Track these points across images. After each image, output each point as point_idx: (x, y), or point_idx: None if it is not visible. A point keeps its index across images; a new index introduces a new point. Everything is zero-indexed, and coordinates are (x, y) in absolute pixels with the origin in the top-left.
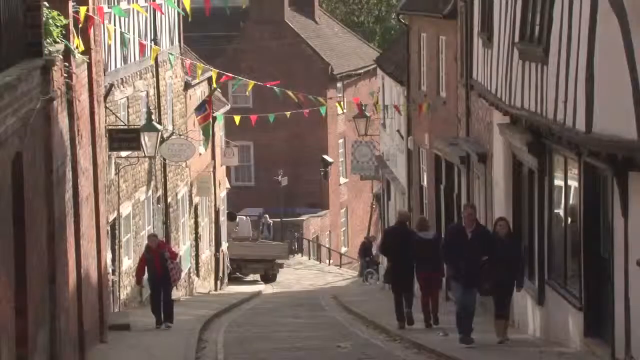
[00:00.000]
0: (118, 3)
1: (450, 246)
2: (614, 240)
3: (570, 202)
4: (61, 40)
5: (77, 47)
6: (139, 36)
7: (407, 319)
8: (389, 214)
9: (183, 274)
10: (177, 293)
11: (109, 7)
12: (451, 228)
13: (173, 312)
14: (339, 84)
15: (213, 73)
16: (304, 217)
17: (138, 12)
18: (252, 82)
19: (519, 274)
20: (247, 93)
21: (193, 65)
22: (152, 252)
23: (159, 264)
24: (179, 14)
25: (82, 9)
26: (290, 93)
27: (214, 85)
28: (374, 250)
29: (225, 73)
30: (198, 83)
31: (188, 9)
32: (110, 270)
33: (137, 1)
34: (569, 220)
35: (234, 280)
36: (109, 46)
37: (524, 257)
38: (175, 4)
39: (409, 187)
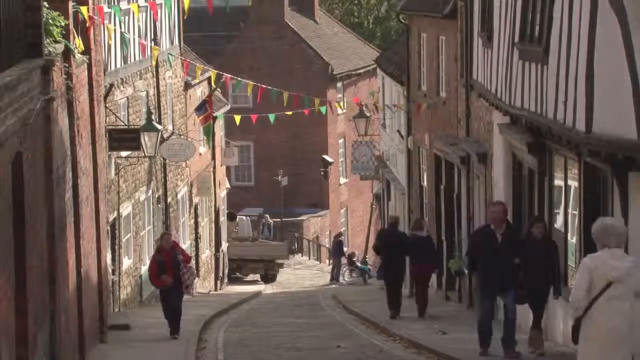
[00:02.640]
0: (118, 3)
1: (477, 251)
2: None
3: (570, 202)
4: (61, 40)
5: (77, 47)
6: (139, 36)
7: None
8: (389, 214)
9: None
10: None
11: (109, 7)
12: (478, 231)
13: (180, 321)
14: (339, 84)
15: (212, 74)
16: (304, 217)
17: (138, 11)
18: (251, 83)
19: (555, 279)
20: (247, 94)
21: (192, 65)
22: (164, 254)
23: (171, 267)
24: (179, 13)
25: (83, 9)
26: (285, 95)
27: (213, 85)
28: (346, 249)
29: (224, 73)
30: (198, 83)
31: (187, 6)
32: (110, 270)
33: (137, 1)
34: (569, 220)
35: (234, 280)
36: (109, 46)
37: (559, 262)
38: (175, 3)
39: (409, 187)
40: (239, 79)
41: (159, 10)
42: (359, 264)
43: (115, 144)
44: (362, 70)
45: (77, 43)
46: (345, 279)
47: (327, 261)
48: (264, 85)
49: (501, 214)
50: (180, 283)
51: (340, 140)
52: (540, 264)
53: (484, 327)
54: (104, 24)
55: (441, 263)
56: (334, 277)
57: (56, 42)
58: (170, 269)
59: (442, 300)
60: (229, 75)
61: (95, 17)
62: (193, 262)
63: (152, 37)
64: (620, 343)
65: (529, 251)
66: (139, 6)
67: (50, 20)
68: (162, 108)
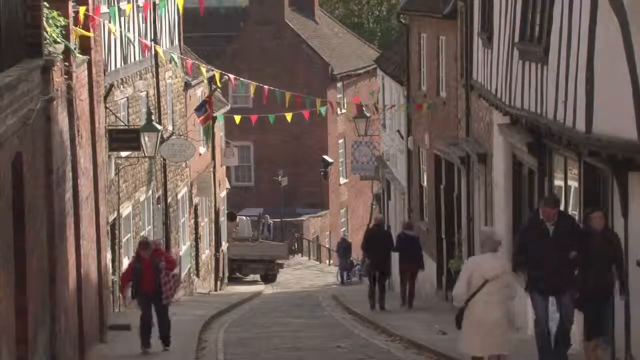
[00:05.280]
0: (118, 3)
1: (526, 246)
2: None
3: (570, 202)
4: (61, 40)
5: (94, 37)
6: (139, 36)
7: (379, 305)
8: (389, 214)
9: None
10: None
11: (108, 8)
12: (528, 222)
13: (170, 332)
14: (339, 84)
15: (217, 74)
16: (304, 217)
17: (138, 12)
18: (254, 84)
19: (620, 278)
20: (251, 95)
21: (195, 65)
22: (142, 262)
23: (150, 276)
24: (178, 14)
25: (82, 9)
26: (288, 96)
27: (218, 84)
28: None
29: (227, 74)
30: (198, 83)
31: (181, 8)
32: (110, 270)
33: (136, 1)
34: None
35: (234, 280)
36: (109, 46)
37: (622, 256)
38: (174, 4)
39: (409, 187)
40: (243, 79)
41: (157, 11)
42: (360, 266)
43: (115, 144)
44: (362, 71)
45: (90, 35)
46: (349, 279)
47: (327, 261)
48: (267, 86)
49: (556, 205)
50: (161, 294)
51: (340, 141)
52: (602, 261)
53: (540, 327)
54: (104, 24)
55: (423, 262)
56: (342, 278)
57: (56, 42)
58: (148, 278)
59: (442, 300)
60: (233, 76)
61: (96, 18)
62: (193, 262)
63: (152, 37)
64: (496, 328)
65: (588, 247)
66: (137, 7)
67: (50, 20)
68: (162, 108)
